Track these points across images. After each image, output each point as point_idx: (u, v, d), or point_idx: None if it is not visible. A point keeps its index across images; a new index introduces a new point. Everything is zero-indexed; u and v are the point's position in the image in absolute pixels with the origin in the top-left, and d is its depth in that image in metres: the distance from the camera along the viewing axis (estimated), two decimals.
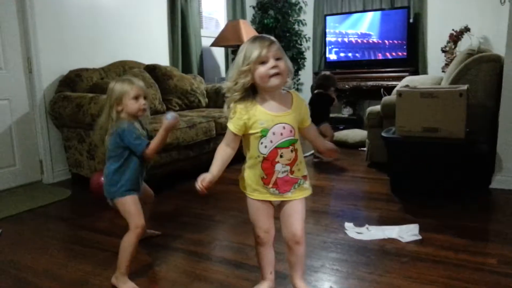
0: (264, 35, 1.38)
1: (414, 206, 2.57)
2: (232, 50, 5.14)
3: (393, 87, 4.31)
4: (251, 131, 1.38)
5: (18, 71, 3.24)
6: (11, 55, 3.19)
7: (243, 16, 5.64)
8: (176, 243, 2.15)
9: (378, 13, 5.40)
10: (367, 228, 2.24)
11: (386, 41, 5.37)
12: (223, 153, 1.42)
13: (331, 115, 5.72)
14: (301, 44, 6.18)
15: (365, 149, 3.71)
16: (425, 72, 5.27)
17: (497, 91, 2.87)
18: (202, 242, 2.16)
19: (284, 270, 1.71)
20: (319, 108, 3.73)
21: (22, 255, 2.07)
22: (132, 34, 4.12)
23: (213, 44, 4.92)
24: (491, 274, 1.72)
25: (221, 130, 3.51)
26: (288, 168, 1.41)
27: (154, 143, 1.75)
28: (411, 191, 2.76)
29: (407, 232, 2.14)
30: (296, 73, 6.17)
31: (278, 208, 1.50)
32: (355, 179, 3.29)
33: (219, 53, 5.46)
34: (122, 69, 3.75)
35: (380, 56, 5.44)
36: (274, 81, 1.32)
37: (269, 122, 1.36)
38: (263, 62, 1.31)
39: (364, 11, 5.58)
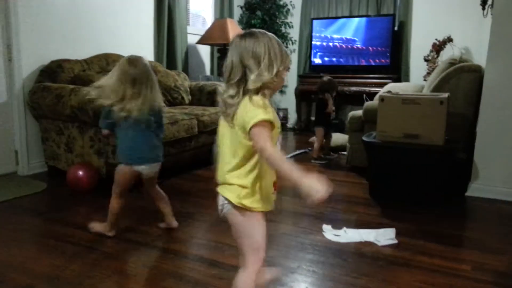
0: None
1: (392, 211, 2.59)
2: (218, 48, 5.12)
3: (376, 93, 4.36)
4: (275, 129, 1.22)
5: None
6: None
7: (231, 16, 5.63)
8: (152, 239, 2.12)
9: (364, 19, 5.45)
10: (345, 230, 2.25)
11: (370, 48, 5.43)
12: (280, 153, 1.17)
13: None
14: (287, 47, 6.19)
15: (345, 153, 3.74)
16: (407, 80, 5.34)
17: (477, 101, 2.93)
18: (179, 240, 2.14)
19: None
20: (316, 111, 4.05)
21: None
22: (117, 27, 4.06)
23: (199, 42, 4.90)
24: (464, 280, 1.75)
25: (203, 128, 3.48)
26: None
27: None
28: (389, 195, 2.79)
29: (384, 236, 2.16)
30: None
31: None
32: (335, 182, 3.30)
33: (204, 51, 5.44)
34: (105, 62, 3.69)
35: (363, 62, 5.49)
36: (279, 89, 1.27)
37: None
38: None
39: (351, 16, 5.62)
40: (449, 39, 4.74)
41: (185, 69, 4.88)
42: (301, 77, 5.88)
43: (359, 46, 5.50)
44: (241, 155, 1.21)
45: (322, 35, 5.67)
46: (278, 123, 1.21)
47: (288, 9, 6.16)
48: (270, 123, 1.16)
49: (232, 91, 1.20)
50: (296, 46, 6.17)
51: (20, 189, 2.91)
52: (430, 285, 1.71)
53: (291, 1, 6.10)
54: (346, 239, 2.15)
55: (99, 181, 2.89)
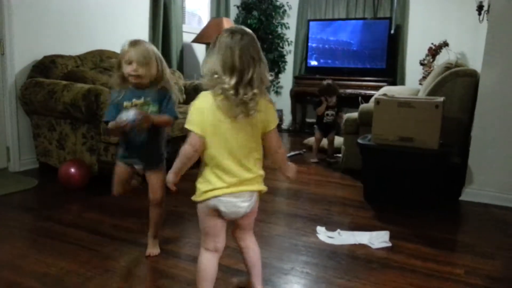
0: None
1: (386, 214, 2.59)
2: None
3: (371, 96, 4.36)
4: None
5: None
6: None
7: (227, 15, 5.61)
8: (145, 239, 2.08)
9: (361, 22, 5.46)
10: (339, 233, 2.24)
11: (366, 51, 5.43)
12: None
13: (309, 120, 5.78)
14: (283, 47, 6.18)
15: (340, 155, 3.73)
16: (402, 83, 5.35)
17: (472, 105, 2.93)
18: (172, 239, 2.11)
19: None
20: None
21: None
22: (112, 24, 4.02)
23: (195, 40, 4.87)
24: (457, 284, 1.74)
25: None
26: None
27: (112, 128, 1.75)
28: (383, 198, 2.78)
29: (378, 239, 2.15)
30: (276, 76, 6.19)
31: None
32: (329, 184, 3.30)
33: (200, 50, 5.41)
34: (99, 58, 3.65)
35: (359, 65, 5.49)
36: None
37: None
38: None
39: (347, 19, 5.63)
40: (445, 44, 4.76)
41: (180, 68, 4.85)
42: (296, 79, 5.87)
43: (355, 48, 5.50)
44: (260, 149, 1.37)
45: (318, 36, 5.67)
46: None
47: (285, 10, 6.15)
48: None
49: (256, 90, 1.27)
50: (292, 47, 6.16)
51: (10, 186, 2.87)
52: None
53: (287, 2, 6.10)
54: (340, 241, 2.13)
55: (91, 179, 2.86)
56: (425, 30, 5.12)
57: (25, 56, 3.26)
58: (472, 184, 2.92)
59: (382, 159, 2.76)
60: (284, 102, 6.09)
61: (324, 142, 4.10)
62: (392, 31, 5.33)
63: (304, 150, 4.43)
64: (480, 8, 4.02)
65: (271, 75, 1.35)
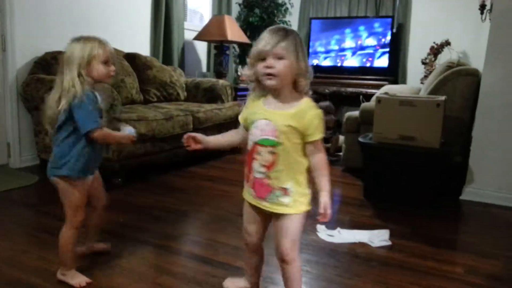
0: (280, 26, 1.28)
1: (386, 212, 2.59)
2: (215, 45, 5.09)
3: (372, 94, 4.35)
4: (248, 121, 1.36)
5: None
6: None
7: (229, 12, 5.60)
8: (145, 236, 2.09)
9: (363, 20, 5.45)
10: (339, 231, 2.24)
11: (368, 49, 5.43)
12: (230, 133, 1.46)
13: None
14: None
15: (341, 154, 3.73)
16: (404, 82, 5.34)
17: (473, 105, 2.93)
18: (172, 237, 2.11)
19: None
20: None
21: None
22: (114, 20, 4.02)
23: (196, 38, 4.86)
24: (457, 283, 1.74)
25: (199, 124, 3.46)
26: (264, 170, 1.30)
27: (109, 136, 1.58)
28: (384, 197, 2.78)
29: (378, 237, 2.15)
30: None
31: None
32: (330, 182, 3.29)
33: (201, 47, 5.40)
34: None
35: (361, 64, 5.49)
36: (267, 81, 1.25)
37: (259, 115, 1.30)
38: (263, 59, 1.24)
39: (349, 17, 5.62)
40: (447, 43, 4.75)
41: (181, 65, 4.84)
42: None
43: (356, 47, 5.49)
44: None
45: (320, 35, 5.66)
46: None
47: (287, 8, 6.13)
48: None
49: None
50: None
51: (11, 182, 2.87)
52: (422, 287, 1.70)
53: (289, 0, 6.09)
54: (340, 240, 2.13)
55: None
56: (427, 29, 5.11)
57: (27, 52, 3.26)
58: (472, 183, 2.92)
59: (383, 157, 2.76)
60: None
61: None
62: (394, 30, 5.32)
63: None
64: (482, 7, 4.01)
65: None
